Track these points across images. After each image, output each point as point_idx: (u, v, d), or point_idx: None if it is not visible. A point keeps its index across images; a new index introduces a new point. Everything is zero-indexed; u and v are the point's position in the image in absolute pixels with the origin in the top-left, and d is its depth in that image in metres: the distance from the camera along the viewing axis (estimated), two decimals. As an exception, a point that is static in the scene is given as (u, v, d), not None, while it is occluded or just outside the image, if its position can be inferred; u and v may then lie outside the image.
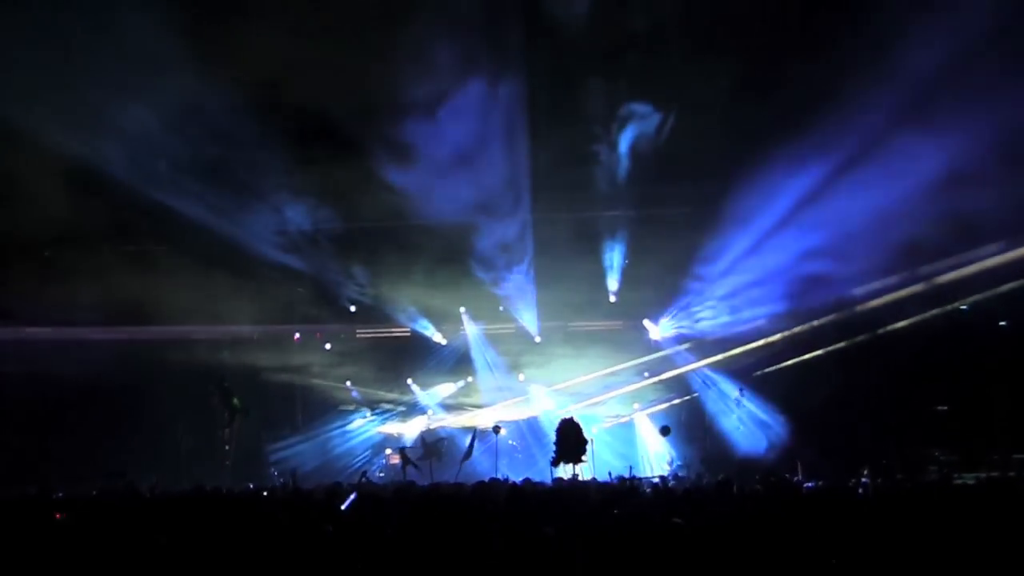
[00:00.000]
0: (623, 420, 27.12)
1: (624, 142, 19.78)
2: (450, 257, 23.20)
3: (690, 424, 24.31)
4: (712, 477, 17.00)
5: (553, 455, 18.03)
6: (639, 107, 19.07)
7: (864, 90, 15.69)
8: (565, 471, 17.99)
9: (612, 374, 26.67)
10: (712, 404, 23.75)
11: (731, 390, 22.69)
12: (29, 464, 21.46)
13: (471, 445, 23.59)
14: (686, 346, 25.06)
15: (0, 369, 21.84)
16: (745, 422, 21.90)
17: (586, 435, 18.29)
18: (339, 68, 17.18)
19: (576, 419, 18.40)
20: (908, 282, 19.43)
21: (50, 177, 18.46)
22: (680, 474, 19.93)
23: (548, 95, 18.46)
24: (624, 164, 20.19)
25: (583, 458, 18.22)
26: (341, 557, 7.92)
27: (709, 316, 23.40)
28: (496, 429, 23.63)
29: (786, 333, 21.95)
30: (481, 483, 16.39)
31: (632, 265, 23.90)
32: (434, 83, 17.74)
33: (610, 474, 18.28)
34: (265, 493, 17.18)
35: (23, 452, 22.09)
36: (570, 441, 17.96)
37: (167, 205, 19.76)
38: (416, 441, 27.29)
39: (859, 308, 20.42)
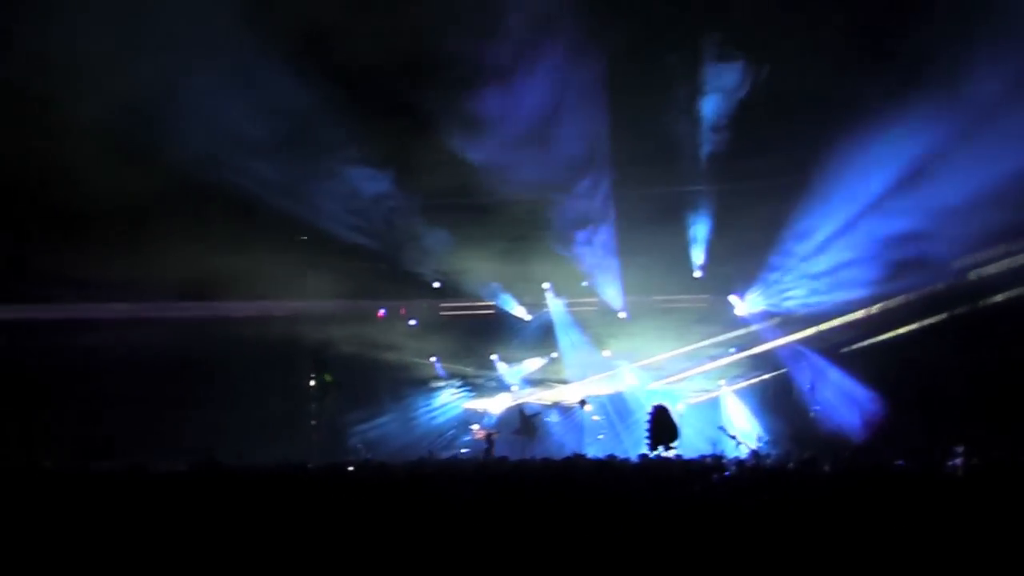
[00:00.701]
0: (709, 397, 26.88)
1: (710, 111, 19.52)
2: (533, 232, 23.17)
3: (778, 400, 23.96)
4: (800, 454, 16.73)
5: (647, 441, 18.03)
6: (726, 74, 18.76)
7: (979, 57, 15.15)
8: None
9: (697, 350, 26.43)
10: (801, 380, 23.35)
11: (810, 375, 22.32)
12: (119, 439, 21.83)
13: (542, 422, 23.60)
14: (774, 322, 24.64)
15: (86, 344, 22.27)
16: (820, 409, 21.53)
17: (677, 422, 18.28)
18: (417, 37, 17.13)
19: (667, 406, 18.40)
20: (1011, 253, 18.87)
21: (132, 153, 18.72)
22: (768, 451, 19.67)
23: (630, 63, 18.20)
24: (710, 135, 19.95)
25: (673, 444, 18.20)
26: (423, 532, 7.90)
27: (798, 291, 22.95)
28: (582, 403, 23.59)
29: (880, 306, 21.42)
30: (567, 459, 16.41)
31: (718, 239, 23.58)
32: (514, 53, 17.62)
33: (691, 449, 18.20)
34: (350, 468, 17.30)
35: (113, 427, 22.44)
36: (663, 428, 17.98)
37: (251, 182, 19.95)
38: (513, 414, 27.33)
39: (959, 280, 19.87)
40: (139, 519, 8.50)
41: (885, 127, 16.89)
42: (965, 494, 9.35)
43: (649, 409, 18.52)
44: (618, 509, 8.26)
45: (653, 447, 17.82)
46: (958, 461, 14.60)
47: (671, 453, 18.49)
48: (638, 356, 27.22)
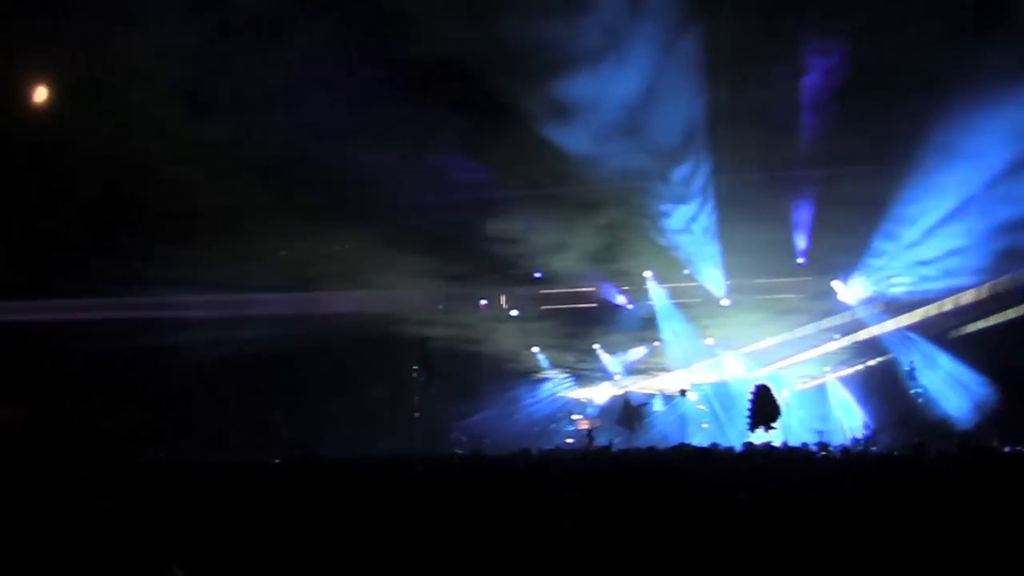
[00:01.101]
0: (814, 384, 26.63)
1: (813, 91, 19.30)
2: (633, 221, 23.16)
3: (883, 386, 23.62)
4: (907, 441, 16.56)
5: (748, 420, 18.00)
6: (829, 51, 18.51)
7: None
8: (758, 437, 17.91)
9: (801, 337, 26.18)
10: (906, 366, 22.99)
11: (914, 358, 21.95)
12: (217, 433, 22.63)
13: (648, 411, 23.62)
14: (879, 307, 24.27)
15: (194, 341, 22.89)
16: (925, 395, 21.18)
17: (779, 402, 18.20)
18: (513, 24, 17.21)
19: (770, 385, 18.33)
20: None
21: (237, 145, 19.15)
22: (874, 438, 19.48)
23: (730, 43, 18.04)
24: (813, 116, 19.72)
25: (774, 424, 18.12)
26: (526, 524, 8.01)
27: (904, 277, 22.57)
28: (683, 393, 23.57)
29: (989, 289, 20.95)
30: (672, 448, 16.50)
31: (820, 224, 23.31)
32: (611, 38, 17.63)
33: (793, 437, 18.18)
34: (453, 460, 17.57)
35: (209, 421, 23.27)
36: (764, 407, 17.93)
37: (353, 173, 20.22)
38: (616, 403, 27.37)
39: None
40: (254, 510, 8.75)
41: (998, 105, 16.52)
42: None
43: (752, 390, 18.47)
44: (721, 498, 8.29)
45: (754, 426, 17.77)
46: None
47: (772, 434, 18.46)
48: (741, 343, 27.06)
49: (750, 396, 18.26)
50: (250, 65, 17.79)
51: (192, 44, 17.18)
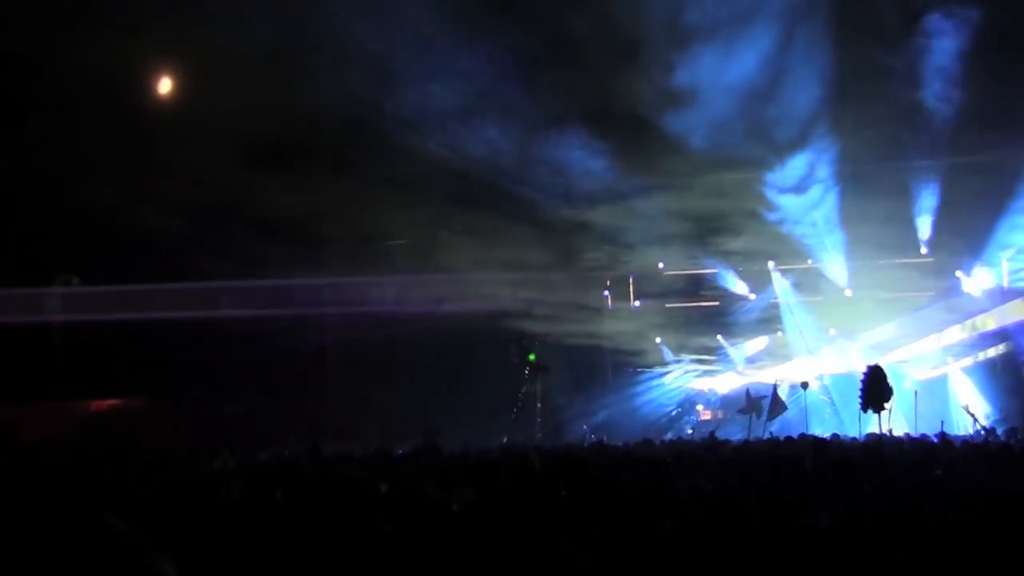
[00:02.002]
0: (938, 374, 26.43)
1: (939, 78, 19.21)
2: (756, 208, 23.31)
3: (1007, 378, 23.36)
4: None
5: (861, 401, 18.11)
6: (957, 35, 18.41)
7: None
8: (875, 424, 18.00)
9: (924, 328, 26.03)
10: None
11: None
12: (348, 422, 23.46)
13: (777, 401, 23.74)
14: (1004, 298, 23.96)
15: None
16: None
17: (891, 383, 18.25)
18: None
19: (882, 367, 18.38)
20: None
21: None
22: (997, 429, 19.38)
23: (854, 27, 18.04)
24: (939, 104, 19.63)
25: (886, 405, 18.19)
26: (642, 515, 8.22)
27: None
28: (804, 386, 23.68)
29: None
30: (789, 439, 16.81)
31: (945, 214, 23.15)
32: (732, 16, 17.75)
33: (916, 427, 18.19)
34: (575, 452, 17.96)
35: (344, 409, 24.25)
36: (876, 388, 17.99)
37: (472, 160, 20.78)
38: (739, 393, 27.50)
39: None
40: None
41: None
42: None
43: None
44: (836, 490, 8.51)
45: (866, 407, 17.83)
46: None
47: (894, 423, 18.48)
48: (863, 334, 26.99)
49: (862, 377, 18.33)
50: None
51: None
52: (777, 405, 24.66)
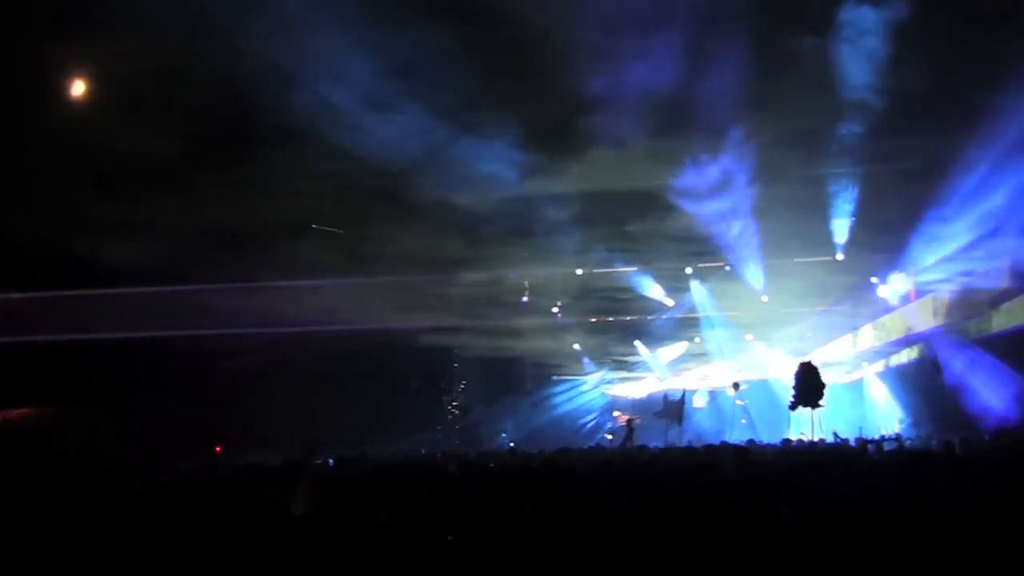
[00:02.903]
0: (853, 379, 26.68)
1: (852, 92, 19.30)
2: (675, 218, 23.28)
3: (921, 383, 23.61)
4: (943, 436, 16.68)
5: (792, 399, 18.02)
6: (867, 54, 18.49)
7: None
8: (792, 429, 18.01)
9: (839, 333, 26.26)
10: (944, 363, 22.93)
11: (951, 354, 21.93)
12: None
13: (690, 407, 23.76)
14: (917, 304, 24.23)
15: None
16: (962, 392, 21.15)
17: (823, 379, 18.20)
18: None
19: (814, 363, 18.33)
20: None
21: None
22: (909, 434, 19.55)
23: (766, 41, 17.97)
24: (855, 116, 19.71)
25: (820, 403, 18.12)
26: (560, 521, 8.08)
27: (943, 274, 22.52)
28: (736, 386, 23.75)
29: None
30: (709, 447, 16.72)
31: (861, 222, 23.33)
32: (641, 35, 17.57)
33: (835, 435, 18.20)
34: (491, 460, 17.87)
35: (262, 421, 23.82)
36: (808, 384, 17.91)
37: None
38: (655, 398, 27.50)
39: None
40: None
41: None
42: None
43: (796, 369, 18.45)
44: (758, 496, 8.42)
45: (796, 405, 17.75)
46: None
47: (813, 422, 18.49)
48: (780, 340, 27.15)
49: (794, 375, 18.24)
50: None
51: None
52: (685, 411, 24.74)
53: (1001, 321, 21.66)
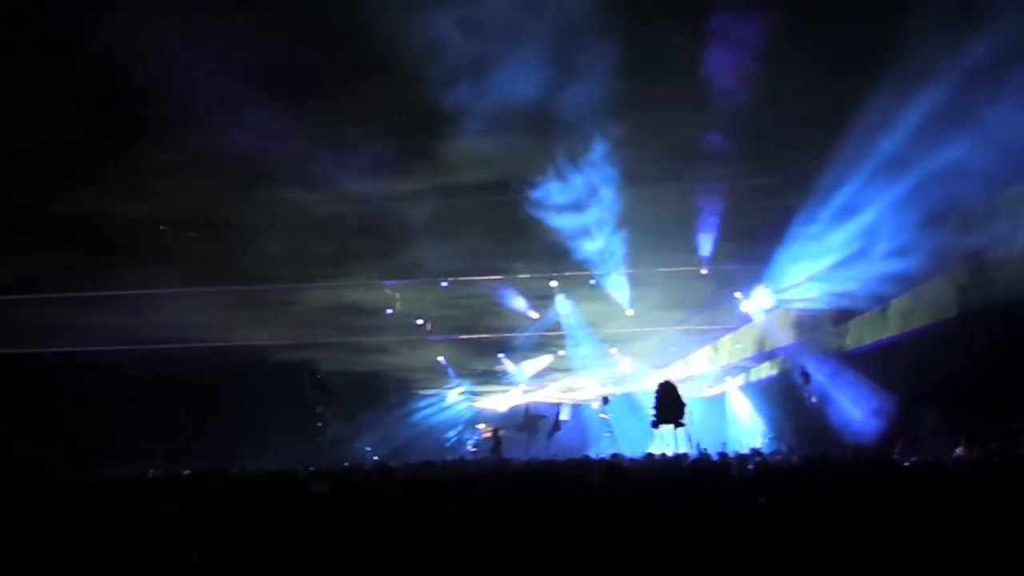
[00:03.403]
0: (715, 393, 26.90)
1: (717, 106, 19.36)
2: (538, 230, 23.11)
3: (783, 398, 23.88)
4: (803, 451, 16.80)
5: (653, 418, 17.94)
6: (730, 66, 18.53)
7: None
8: (660, 441, 17.94)
9: (703, 347, 26.45)
10: (805, 377, 23.19)
11: (813, 368, 22.23)
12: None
13: (556, 421, 23.68)
14: (780, 319, 24.53)
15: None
16: (824, 406, 21.45)
17: (684, 398, 18.20)
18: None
19: (674, 383, 18.32)
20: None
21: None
22: (771, 449, 19.69)
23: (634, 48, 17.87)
24: (720, 130, 19.78)
25: (682, 421, 18.11)
26: (431, 539, 7.89)
27: (805, 290, 22.81)
28: (605, 400, 23.70)
29: (887, 305, 21.22)
30: (570, 461, 16.51)
31: (725, 237, 23.52)
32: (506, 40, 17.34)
33: (698, 445, 18.20)
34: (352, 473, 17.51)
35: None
36: (668, 403, 17.87)
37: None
38: (518, 411, 27.34)
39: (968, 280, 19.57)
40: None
41: (893, 124, 16.73)
42: (967, 488, 9.36)
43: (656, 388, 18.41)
44: (626, 512, 8.25)
45: (658, 423, 17.67)
46: (958, 454, 14.71)
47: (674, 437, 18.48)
48: (645, 354, 27.21)
49: (655, 393, 18.19)
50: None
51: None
52: (548, 425, 24.65)
53: (855, 338, 22.03)
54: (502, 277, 25.72)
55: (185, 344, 23.95)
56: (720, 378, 26.80)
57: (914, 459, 14.19)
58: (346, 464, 22.43)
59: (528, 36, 16.71)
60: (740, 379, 26.39)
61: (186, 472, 18.17)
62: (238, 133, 17.62)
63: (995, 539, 7.16)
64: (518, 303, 26.91)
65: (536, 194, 21.11)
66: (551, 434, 23.75)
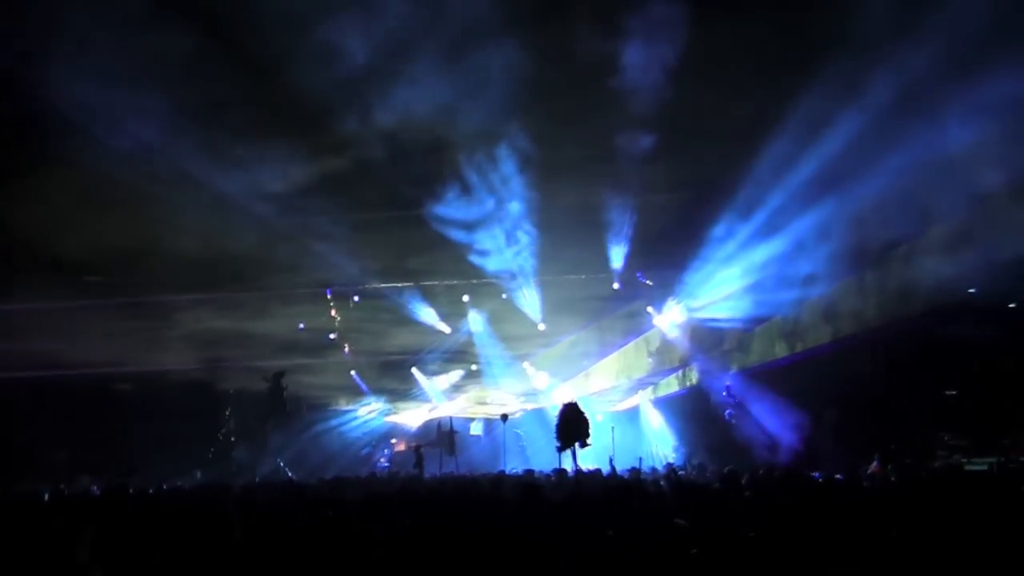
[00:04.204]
0: (629, 406, 26.98)
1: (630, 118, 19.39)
2: (446, 242, 22.99)
3: (695, 413, 24.01)
4: (716, 467, 16.84)
5: (558, 443, 17.79)
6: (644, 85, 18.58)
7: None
8: (566, 460, 17.81)
9: (616, 361, 26.52)
10: (718, 392, 23.37)
11: (727, 388, 22.37)
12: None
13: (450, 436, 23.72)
14: (692, 333, 24.67)
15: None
16: (735, 415, 21.61)
17: (588, 418, 18.10)
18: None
19: (578, 403, 18.21)
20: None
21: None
22: (683, 463, 19.75)
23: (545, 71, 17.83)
24: (631, 142, 19.82)
25: (588, 441, 18.03)
26: (349, 558, 7.77)
27: (716, 304, 22.97)
28: (504, 418, 23.56)
29: (798, 318, 21.42)
30: (486, 475, 16.38)
31: (637, 251, 23.62)
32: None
33: (611, 461, 18.20)
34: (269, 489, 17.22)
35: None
36: (572, 425, 17.76)
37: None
38: (431, 427, 27.15)
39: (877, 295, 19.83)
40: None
41: (802, 138, 16.90)
42: (882, 503, 9.47)
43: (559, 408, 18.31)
44: (544, 528, 8.19)
45: (564, 447, 17.55)
46: (873, 468, 14.87)
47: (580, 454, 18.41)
48: (557, 368, 27.23)
49: (557, 415, 18.08)
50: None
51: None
52: (458, 440, 24.58)
53: (765, 351, 22.24)
54: (412, 284, 25.57)
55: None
56: (633, 391, 26.87)
57: (822, 474, 14.34)
58: (258, 480, 22.19)
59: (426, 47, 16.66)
60: (651, 392, 26.50)
61: (93, 489, 17.81)
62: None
63: (916, 556, 7.23)
64: (430, 317, 26.73)
65: (444, 209, 21.05)
66: (460, 449, 23.67)
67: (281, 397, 26.35)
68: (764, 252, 19.91)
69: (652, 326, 25.51)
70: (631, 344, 26.28)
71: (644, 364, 26.22)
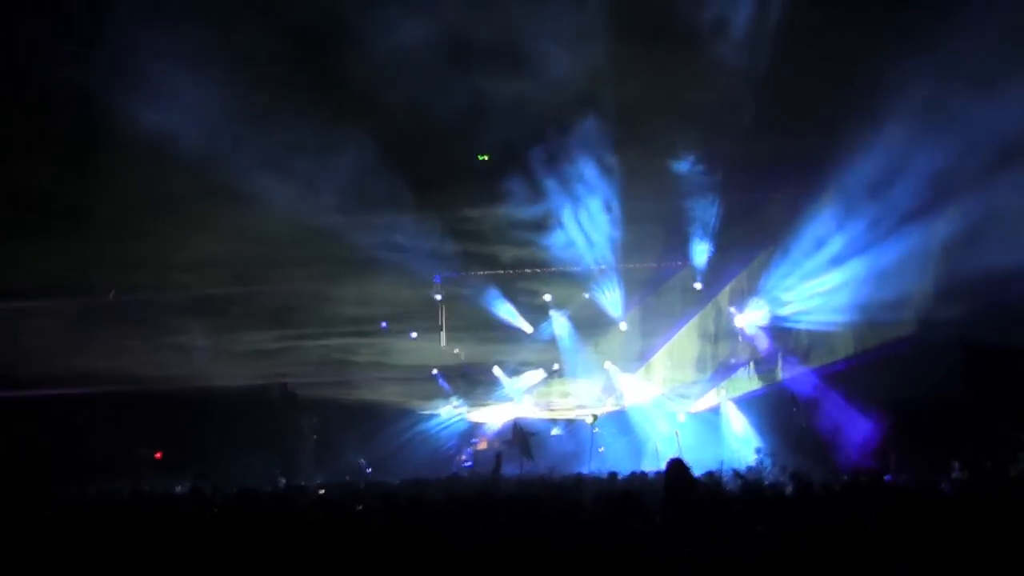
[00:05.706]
0: (710, 407, 26.82)
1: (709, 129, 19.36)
2: (533, 246, 23.17)
3: (776, 414, 23.78)
4: (796, 468, 16.72)
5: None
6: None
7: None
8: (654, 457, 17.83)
9: (698, 362, 26.42)
10: (799, 395, 23.08)
11: (808, 390, 22.14)
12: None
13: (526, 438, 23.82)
14: (774, 336, 24.43)
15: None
16: (817, 424, 21.37)
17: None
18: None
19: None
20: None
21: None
22: (764, 465, 19.59)
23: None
24: (712, 144, 19.80)
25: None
26: (423, 555, 7.87)
27: (800, 307, 22.71)
28: (594, 417, 23.69)
29: (880, 324, 21.10)
30: (566, 478, 16.49)
31: (721, 254, 23.59)
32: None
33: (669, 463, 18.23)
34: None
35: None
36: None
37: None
38: (511, 427, 27.29)
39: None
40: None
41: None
42: (958, 508, 9.36)
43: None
44: (618, 529, 8.24)
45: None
46: (956, 475, 14.67)
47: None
48: (639, 368, 27.21)
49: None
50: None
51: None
52: (538, 441, 24.69)
53: (837, 354, 21.90)
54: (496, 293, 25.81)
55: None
56: (716, 392, 26.68)
57: (901, 479, 14.19)
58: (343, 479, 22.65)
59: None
60: (736, 394, 26.31)
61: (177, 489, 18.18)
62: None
63: (995, 563, 7.16)
64: (513, 317, 26.92)
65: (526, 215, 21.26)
66: (536, 451, 23.81)
67: (294, 406, 26.87)
68: (853, 258, 19.64)
69: (735, 328, 25.39)
70: (711, 342, 26.16)
71: (726, 366, 26.09)
